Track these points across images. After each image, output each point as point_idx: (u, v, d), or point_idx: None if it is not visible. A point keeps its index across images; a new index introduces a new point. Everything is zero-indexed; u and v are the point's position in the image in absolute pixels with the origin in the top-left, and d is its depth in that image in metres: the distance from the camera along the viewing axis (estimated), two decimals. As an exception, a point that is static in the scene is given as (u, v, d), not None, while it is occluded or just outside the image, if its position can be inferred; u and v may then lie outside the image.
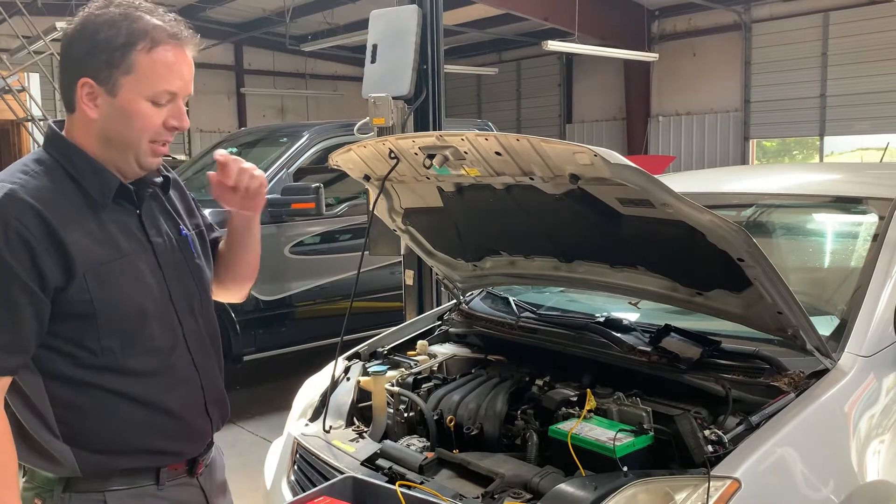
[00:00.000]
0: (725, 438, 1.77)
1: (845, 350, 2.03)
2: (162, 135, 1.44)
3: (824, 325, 2.14)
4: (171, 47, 1.41)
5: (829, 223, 2.95)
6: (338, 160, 2.39)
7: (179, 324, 1.52)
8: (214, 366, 1.62)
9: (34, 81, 10.06)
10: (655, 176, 1.79)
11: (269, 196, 5.15)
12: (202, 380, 1.56)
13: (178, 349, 1.51)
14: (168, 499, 1.51)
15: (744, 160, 14.16)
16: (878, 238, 2.35)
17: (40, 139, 9.81)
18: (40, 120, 9.61)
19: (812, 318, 1.95)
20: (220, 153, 1.58)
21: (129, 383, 1.44)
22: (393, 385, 2.41)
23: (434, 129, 4.20)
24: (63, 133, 1.46)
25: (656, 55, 13.29)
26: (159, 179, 1.57)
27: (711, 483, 1.65)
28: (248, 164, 1.60)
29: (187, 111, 1.48)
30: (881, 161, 4.91)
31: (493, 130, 7.31)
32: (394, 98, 4.09)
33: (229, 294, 1.81)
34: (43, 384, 1.40)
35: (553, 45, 10.89)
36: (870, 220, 2.53)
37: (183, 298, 1.54)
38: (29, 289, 1.32)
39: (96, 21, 1.39)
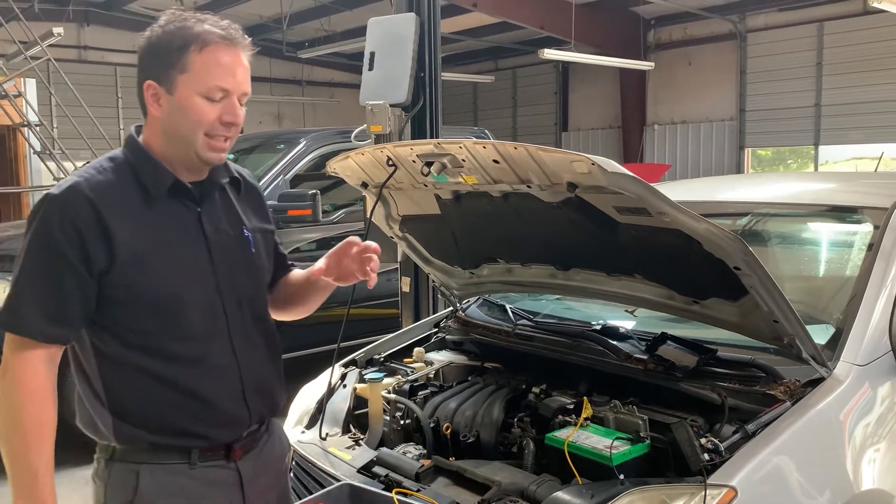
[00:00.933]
0: (722, 447, 1.77)
1: (841, 359, 2.04)
2: (217, 129, 1.55)
3: (820, 334, 2.14)
4: (222, 47, 1.55)
5: (824, 232, 2.96)
6: (335, 167, 2.40)
7: (224, 314, 1.62)
8: (262, 358, 1.71)
9: (31, 86, 10.07)
10: (651, 185, 1.80)
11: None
12: (242, 369, 1.64)
13: (217, 337, 1.61)
14: (199, 478, 1.59)
15: (739, 169, 14.20)
16: (872, 247, 2.36)
17: (36, 144, 9.81)
18: (36, 125, 9.61)
19: (808, 327, 1.96)
20: (355, 240, 1.75)
21: (164, 365, 1.55)
22: (389, 392, 2.41)
23: (431, 137, 4.20)
24: (140, 135, 1.63)
25: (652, 64, 13.34)
26: (226, 180, 1.69)
27: (708, 491, 1.65)
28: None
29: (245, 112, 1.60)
30: (876, 170, 4.93)
31: (489, 138, 7.32)
32: (391, 105, 4.09)
33: (276, 313, 1.90)
34: (94, 357, 1.56)
35: (549, 54, 10.92)
36: (865, 230, 2.54)
37: (231, 292, 1.63)
38: (76, 270, 1.48)
39: (158, 32, 1.57)
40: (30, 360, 1.47)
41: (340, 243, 1.77)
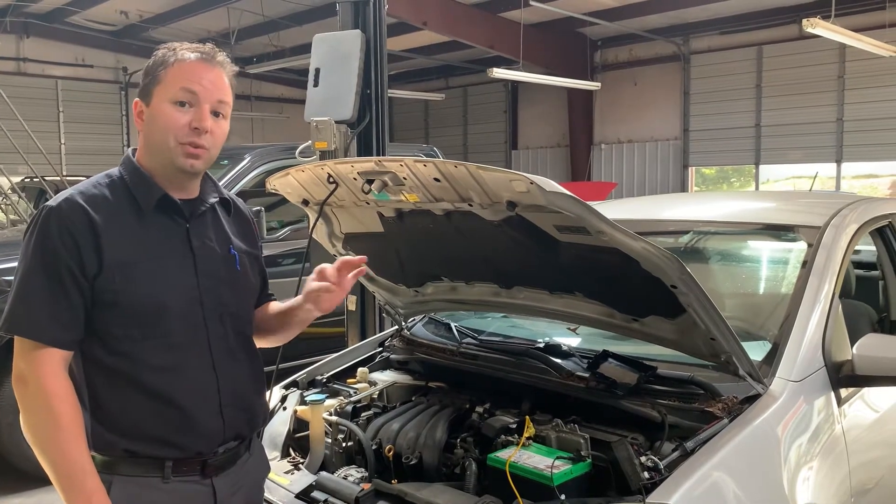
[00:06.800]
0: (661, 465, 1.78)
1: (776, 375, 2.07)
2: (186, 135, 1.61)
3: (757, 350, 2.17)
4: (192, 59, 1.66)
5: (762, 250, 3.03)
6: (275, 184, 2.35)
7: (205, 326, 1.66)
8: (243, 374, 1.73)
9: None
10: (592, 203, 1.81)
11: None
12: (220, 382, 1.66)
13: (197, 348, 1.64)
14: (172, 493, 1.60)
15: (683, 187, 14.54)
16: (806, 265, 2.42)
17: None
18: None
19: (746, 343, 1.98)
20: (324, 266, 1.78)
21: (143, 372, 1.59)
22: (331, 414, 2.36)
23: (377, 154, 4.19)
24: (135, 154, 1.71)
25: (598, 84, 13.60)
26: (214, 199, 1.75)
27: (647, 510, 1.65)
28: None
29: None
30: (811, 189, 5.09)
31: (438, 156, 7.33)
32: (336, 122, 4.06)
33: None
34: (82, 361, 1.60)
35: (498, 73, 11.04)
36: (799, 248, 2.60)
37: (213, 305, 1.67)
38: (76, 276, 1.55)
39: (149, 61, 1.69)
40: (50, 366, 1.53)
41: (313, 277, 1.80)
